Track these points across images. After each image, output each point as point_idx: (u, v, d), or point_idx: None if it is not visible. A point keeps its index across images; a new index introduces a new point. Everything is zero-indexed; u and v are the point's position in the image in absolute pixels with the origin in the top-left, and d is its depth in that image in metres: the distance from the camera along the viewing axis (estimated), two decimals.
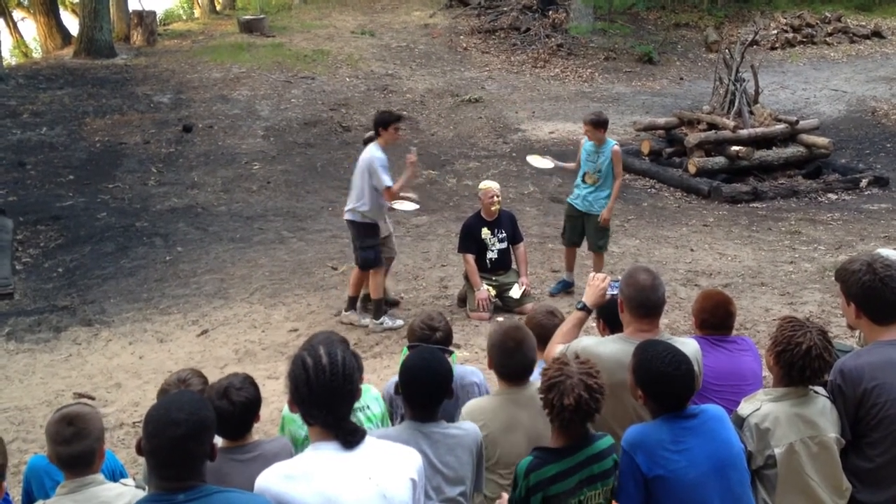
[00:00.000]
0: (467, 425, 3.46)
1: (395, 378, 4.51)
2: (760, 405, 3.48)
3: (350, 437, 2.74)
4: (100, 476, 3.34)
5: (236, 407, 3.43)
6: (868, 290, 3.55)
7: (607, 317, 4.32)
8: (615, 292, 4.01)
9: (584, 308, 4.16)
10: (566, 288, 8.95)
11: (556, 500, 3.21)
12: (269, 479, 2.70)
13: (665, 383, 3.28)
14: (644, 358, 3.36)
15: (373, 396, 4.09)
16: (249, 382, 3.56)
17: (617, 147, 8.78)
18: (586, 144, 8.74)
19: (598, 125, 8.60)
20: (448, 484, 3.34)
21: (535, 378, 3.90)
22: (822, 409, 3.47)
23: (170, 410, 2.60)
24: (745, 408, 3.54)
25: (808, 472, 3.42)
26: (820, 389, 3.52)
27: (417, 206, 9.02)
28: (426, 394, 3.37)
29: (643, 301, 3.80)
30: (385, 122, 8.04)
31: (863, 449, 3.52)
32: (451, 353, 4.39)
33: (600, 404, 3.19)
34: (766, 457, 3.42)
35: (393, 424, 4.16)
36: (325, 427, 2.75)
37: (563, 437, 3.25)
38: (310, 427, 2.81)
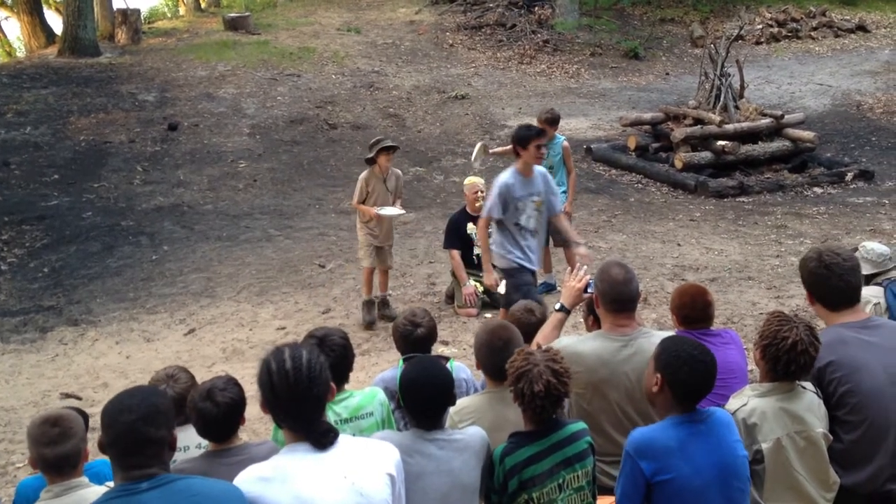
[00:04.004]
0: (472, 430, 3.44)
1: (385, 373, 4.54)
2: (747, 401, 3.48)
3: (322, 438, 2.73)
4: (84, 479, 3.32)
5: (220, 408, 3.39)
6: (815, 276, 3.73)
7: (596, 313, 4.33)
8: (593, 290, 4.04)
9: (562, 309, 4.19)
10: (548, 290, 8.92)
11: (532, 483, 3.23)
12: (243, 482, 2.69)
13: (686, 365, 3.22)
14: (671, 343, 3.35)
15: (378, 401, 3.98)
16: (234, 384, 3.53)
17: (566, 143, 8.92)
18: None
19: (554, 123, 8.81)
20: (457, 490, 3.28)
21: None
22: (809, 405, 3.48)
23: (122, 399, 2.63)
24: (732, 403, 3.54)
25: (795, 467, 3.42)
26: (808, 385, 3.53)
27: (403, 212, 8.73)
28: (429, 404, 3.33)
29: (617, 295, 3.85)
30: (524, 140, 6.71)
31: (835, 431, 3.58)
32: (448, 359, 4.39)
33: (568, 388, 3.27)
34: (754, 452, 3.42)
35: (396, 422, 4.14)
36: (294, 430, 2.75)
37: (535, 423, 3.30)
38: (283, 429, 2.81)
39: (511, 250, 6.69)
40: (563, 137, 8.93)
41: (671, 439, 3.23)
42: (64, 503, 3.23)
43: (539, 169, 6.81)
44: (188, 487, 2.57)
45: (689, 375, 3.24)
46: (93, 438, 3.90)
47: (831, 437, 3.51)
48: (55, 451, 3.26)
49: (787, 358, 3.41)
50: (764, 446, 3.41)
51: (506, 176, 6.67)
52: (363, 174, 8.31)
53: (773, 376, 3.50)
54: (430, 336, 4.41)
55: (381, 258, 8.49)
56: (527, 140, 6.59)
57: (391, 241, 8.61)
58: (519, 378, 3.23)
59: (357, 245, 8.66)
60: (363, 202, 8.26)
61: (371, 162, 8.22)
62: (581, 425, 3.40)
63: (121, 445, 2.57)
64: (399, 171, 8.66)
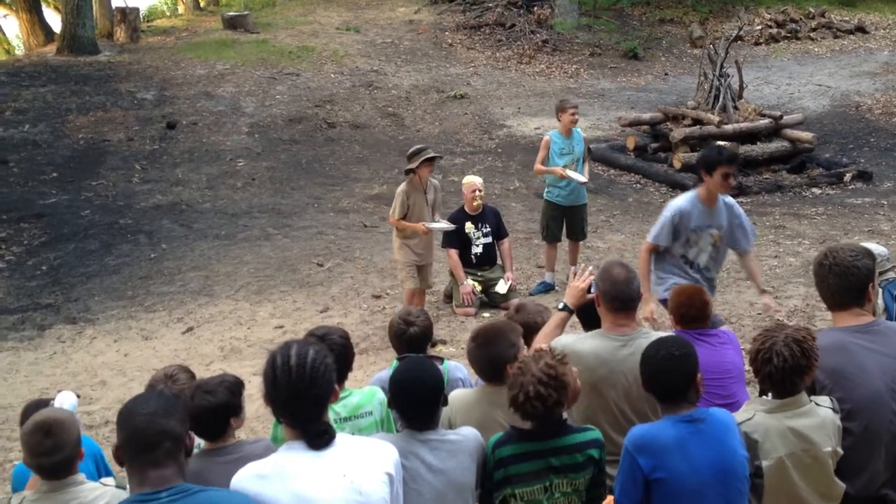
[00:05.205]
0: (466, 431, 3.42)
1: (382, 373, 4.54)
2: (754, 414, 3.42)
3: (317, 439, 2.73)
4: (79, 476, 3.31)
5: (210, 405, 3.40)
6: (816, 275, 3.70)
7: (582, 315, 4.34)
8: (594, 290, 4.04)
9: (565, 308, 4.20)
10: (547, 290, 8.92)
11: (518, 479, 3.23)
12: (242, 479, 2.69)
13: (647, 365, 3.35)
14: (649, 345, 3.45)
15: (378, 400, 3.99)
16: (225, 387, 3.52)
17: (582, 132, 9.11)
18: (555, 140, 8.75)
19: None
20: (452, 490, 3.27)
21: None
22: (821, 423, 3.38)
23: (137, 398, 2.69)
24: (739, 415, 3.50)
25: (797, 482, 3.38)
26: (824, 401, 3.45)
27: (453, 227, 8.34)
28: (418, 405, 3.31)
29: (618, 295, 3.85)
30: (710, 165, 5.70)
31: None
32: (442, 360, 4.38)
33: (562, 396, 3.20)
34: (755, 466, 3.37)
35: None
36: (292, 427, 2.76)
37: (533, 425, 3.28)
38: (282, 425, 2.82)
39: (664, 281, 5.80)
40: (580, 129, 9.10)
41: (669, 437, 3.24)
42: (57, 499, 3.23)
43: (725, 199, 5.83)
44: (208, 500, 2.57)
45: (652, 375, 3.34)
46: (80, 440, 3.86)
47: (841, 453, 3.44)
48: (50, 461, 3.24)
49: (754, 367, 3.40)
50: (765, 463, 3.35)
51: (682, 201, 5.77)
52: (402, 187, 7.75)
53: (773, 393, 3.44)
54: (424, 335, 4.39)
55: (424, 277, 8.09)
56: (713, 165, 5.62)
57: (432, 257, 8.18)
58: (512, 384, 3.24)
59: (398, 266, 8.09)
60: (403, 218, 7.75)
61: (410, 172, 7.74)
62: (589, 436, 3.34)
63: (137, 439, 2.56)
64: (437, 182, 8.18)
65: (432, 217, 7.90)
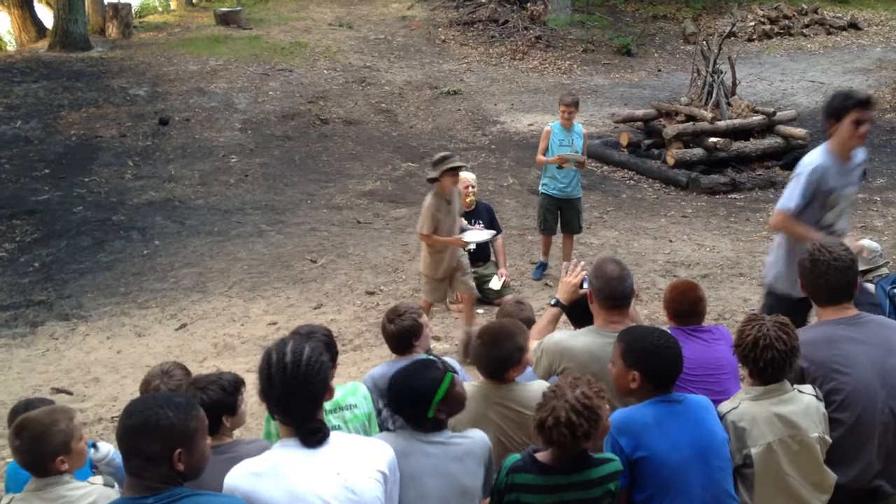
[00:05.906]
0: (473, 433, 3.34)
1: (374, 370, 4.53)
2: (739, 403, 3.48)
3: (310, 437, 2.73)
4: (66, 476, 3.32)
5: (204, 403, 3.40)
6: (803, 270, 3.79)
7: (571, 312, 4.34)
8: (586, 286, 4.05)
9: (557, 304, 4.21)
10: (544, 270, 9.18)
11: None
12: (236, 477, 2.70)
13: (659, 356, 3.36)
14: (634, 337, 3.45)
15: (362, 395, 4.02)
16: (219, 386, 3.52)
17: (583, 128, 9.19)
18: (556, 131, 8.80)
19: (578, 105, 8.98)
20: (456, 494, 3.21)
21: (524, 378, 3.90)
22: (805, 409, 3.44)
23: (132, 407, 2.63)
24: (724, 405, 3.55)
25: (786, 471, 3.41)
26: (807, 388, 3.51)
27: (493, 233, 8.14)
28: (409, 407, 3.28)
29: (612, 292, 3.87)
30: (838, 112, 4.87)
31: None
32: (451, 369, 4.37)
33: (587, 430, 3.03)
34: (744, 456, 3.42)
35: (379, 419, 4.14)
36: (286, 424, 2.76)
37: (554, 455, 3.14)
38: (277, 421, 2.82)
39: (789, 270, 4.85)
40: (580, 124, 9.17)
41: (648, 416, 3.31)
42: (43, 497, 3.26)
43: (859, 153, 4.97)
44: None
45: (664, 364, 3.37)
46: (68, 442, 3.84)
47: (830, 441, 3.47)
48: (21, 458, 3.32)
49: (752, 356, 3.42)
50: (753, 451, 3.39)
51: (817, 156, 4.93)
52: (429, 200, 7.08)
53: (759, 379, 3.49)
54: (402, 334, 4.35)
55: (462, 283, 7.48)
56: (840, 112, 4.93)
57: (466, 257, 7.57)
58: (542, 406, 3.10)
59: (422, 279, 7.60)
60: (434, 231, 7.14)
61: (432, 181, 7.16)
62: (609, 469, 3.18)
63: (120, 446, 2.61)
64: (459, 187, 7.66)
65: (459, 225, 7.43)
